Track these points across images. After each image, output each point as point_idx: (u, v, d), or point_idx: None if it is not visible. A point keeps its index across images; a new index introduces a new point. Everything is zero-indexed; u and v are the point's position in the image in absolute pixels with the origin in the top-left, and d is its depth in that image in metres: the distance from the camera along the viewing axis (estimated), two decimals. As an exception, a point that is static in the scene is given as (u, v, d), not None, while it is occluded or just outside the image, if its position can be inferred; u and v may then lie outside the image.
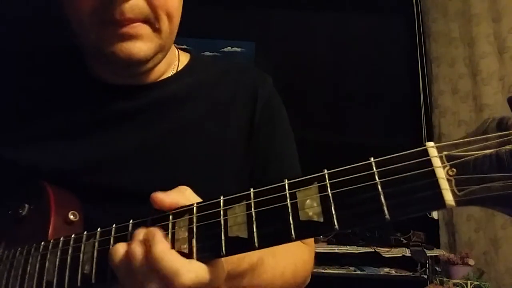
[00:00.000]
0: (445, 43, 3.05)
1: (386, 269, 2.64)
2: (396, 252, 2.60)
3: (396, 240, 2.75)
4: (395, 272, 2.62)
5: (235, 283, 0.58)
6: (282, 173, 0.76)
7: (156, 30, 0.65)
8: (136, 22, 0.62)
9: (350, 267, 2.64)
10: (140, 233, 0.48)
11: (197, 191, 0.52)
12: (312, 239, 0.81)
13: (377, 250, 2.60)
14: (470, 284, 2.37)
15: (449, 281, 2.45)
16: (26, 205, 0.65)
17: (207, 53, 3.07)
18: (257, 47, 3.24)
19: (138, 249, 0.46)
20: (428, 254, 2.60)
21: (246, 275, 0.59)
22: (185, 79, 0.77)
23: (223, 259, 0.50)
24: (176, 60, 0.79)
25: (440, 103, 3.04)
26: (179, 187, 0.52)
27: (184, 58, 0.81)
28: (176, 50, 0.80)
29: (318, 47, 3.24)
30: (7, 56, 0.81)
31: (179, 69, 0.78)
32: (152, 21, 0.64)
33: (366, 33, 3.24)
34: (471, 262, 2.51)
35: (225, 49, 3.22)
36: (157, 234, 0.47)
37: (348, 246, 2.61)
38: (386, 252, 2.60)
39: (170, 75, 0.77)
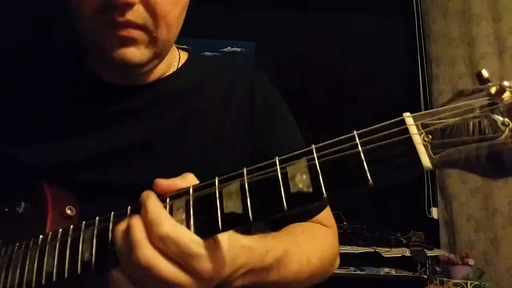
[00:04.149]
0: (445, 43, 3.05)
1: (386, 269, 2.64)
2: (396, 252, 2.61)
3: (396, 240, 2.76)
4: (395, 272, 2.63)
5: (261, 278, 0.59)
6: None
7: (153, 38, 0.66)
8: (134, 27, 0.63)
9: (350, 267, 2.64)
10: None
11: None
12: (333, 222, 0.81)
13: (377, 250, 2.60)
14: (470, 284, 2.37)
15: (449, 281, 2.45)
16: (23, 203, 0.66)
17: (207, 53, 3.07)
18: (257, 47, 3.25)
19: (135, 217, 0.48)
20: (428, 254, 2.60)
21: (272, 269, 0.60)
22: (183, 77, 0.78)
23: (243, 256, 0.52)
24: (176, 61, 0.80)
25: (440, 103, 3.03)
26: (184, 173, 0.53)
27: (183, 57, 0.82)
28: (176, 50, 0.81)
29: (318, 47, 3.25)
30: (7, 55, 0.81)
31: (178, 67, 0.80)
32: (150, 29, 0.65)
33: (366, 33, 3.24)
34: (471, 262, 2.51)
35: (225, 49, 3.22)
36: (151, 193, 0.49)
37: (348, 246, 2.60)
38: (386, 252, 2.60)
39: (169, 74, 0.78)
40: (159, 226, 0.45)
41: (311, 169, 0.43)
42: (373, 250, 2.60)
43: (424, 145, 0.39)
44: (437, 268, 2.66)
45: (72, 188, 0.68)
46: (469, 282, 2.37)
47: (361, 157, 0.41)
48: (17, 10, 2.65)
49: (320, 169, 0.42)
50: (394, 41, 3.27)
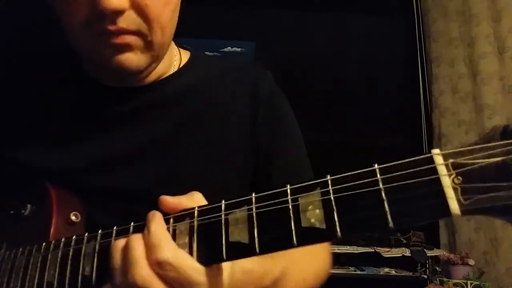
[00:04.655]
0: (445, 43, 3.05)
1: (386, 269, 2.64)
2: (396, 252, 2.61)
3: (396, 240, 2.76)
4: (395, 272, 2.62)
5: None
6: (288, 169, 0.76)
7: (148, 42, 0.64)
8: (128, 34, 0.61)
9: (350, 267, 2.64)
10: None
11: (198, 189, 0.52)
12: None
13: (377, 250, 2.60)
14: (470, 284, 2.37)
15: (449, 281, 2.45)
16: (28, 206, 0.66)
17: (207, 53, 3.07)
18: (257, 47, 3.24)
19: (136, 236, 0.47)
20: (428, 254, 2.60)
21: None
22: (185, 76, 0.77)
23: (242, 278, 0.51)
24: (176, 60, 0.79)
25: (440, 103, 3.04)
26: (190, 192, 0.52)
27: (185, 56, 0.81)
28: (176, 49, 0.80)
29: (318, 47, 3.24)
30: (7, 56, 0.81)
31: (179, 67, 0.78)
32: (144, 33, 0.63)
33: (366, 33, 3.24)
34: (471, 262, 2.51)
35: (225, 49, 3.22)
36: (156, 214, 0.48)
37: (348, 246, 2.60)
38: (386, 252, 2.60)
39: (170, 74, 0.77)
40: (160, 250, 0.44)
41: (326, 204, 0.40)
42: (373, 250, 2.60)
43: (454, 188, 0.35)
44: (437, 268, 2.66)
45: (76, 193, 0.67)
46: (469, 282, 2.37)
47: (382, 196, 0.37)
48: (16, 11, 2.65)
49: (335, 204, 0.39)
50: (394, 41, 3.26)
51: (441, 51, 3.08)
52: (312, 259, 0.71)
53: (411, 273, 2.60)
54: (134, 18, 0.61)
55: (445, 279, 2.48)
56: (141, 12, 0.61)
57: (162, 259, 0.44)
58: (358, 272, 2.60)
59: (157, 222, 0.47)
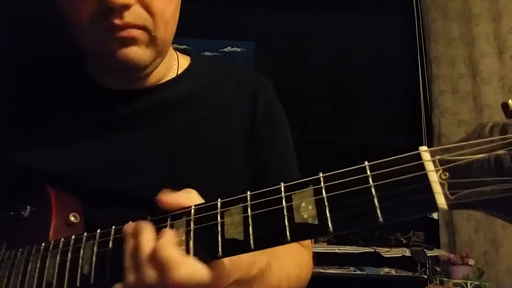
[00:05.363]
0: (445, 43, 3.05)
1: (386, 269, 2.64)
2: (396, 252, 2.61)
3: (396, 240, 2.76)
4: (395, 272, 2.63)
5: None
6: (283, 176, 0.76)
7: (153, 38, 0.65)
8: (134, 28, 0.63)
9: (350, 267, 2.64)
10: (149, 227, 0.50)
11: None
12: (310, 242, 0.81)
13: (377, 250, 2.60)
14: (470, 284, 2.37)
15: (449, 281, 2.45)
16: (28, 207, 0.66)
17: (207, 53, 3.08)
18: (257, 47, 3.25)
19: (148, 237, 0.48)
20: (428, 254, 2.60)
21: (255, 281, 0.59)
22: (185, 82, 0.77)
23: (231, 264, 0.51)
24: (175, 64, 0.79)
25: (440, 103, 3.04)
26: (186, 189, 0.53)
27: (184, 61, 0.81)
28: (175, 53, 0.80)
29: (318, 47, 3.25)
30: (8, 58, 0.81)
31: (179, 72, 0.79)
32: (149, 28, 0.64)
33: (366, 33, 3.24)
34: (471, 262, 2.51)
35: (225, 49, 3.22)
36: (167, 230, 0.49)
37: (348, 246, 2.61)
38: (386, 252, 2.60)
39: (169, 78, 0.77)
40: (176, 269, 0.45)
41: (318, 200, 0.41)
42: (373, 250, 2.60)
43: (441, 184, 0.36)
44: (437, 268, 2.66)
45: (76, 195, 0.68)
46: (469, 282, 2.37)
47: (372, 193, 0.39)
48: (16, 12, 2.65)
49: (327, 201, 0.41)
50: (394, 41, 3.27)
51: (441, 51, 3.08)
52: (294, 260, 0.71)
53: (411, 273, 2.61)
54: (140, 13, 0.63)
55: (445, 279, 2.48)
56: (147, 7, 0.63)
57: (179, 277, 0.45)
58: (358, 272, 2.61)
59: (166, 240, 0.47)
